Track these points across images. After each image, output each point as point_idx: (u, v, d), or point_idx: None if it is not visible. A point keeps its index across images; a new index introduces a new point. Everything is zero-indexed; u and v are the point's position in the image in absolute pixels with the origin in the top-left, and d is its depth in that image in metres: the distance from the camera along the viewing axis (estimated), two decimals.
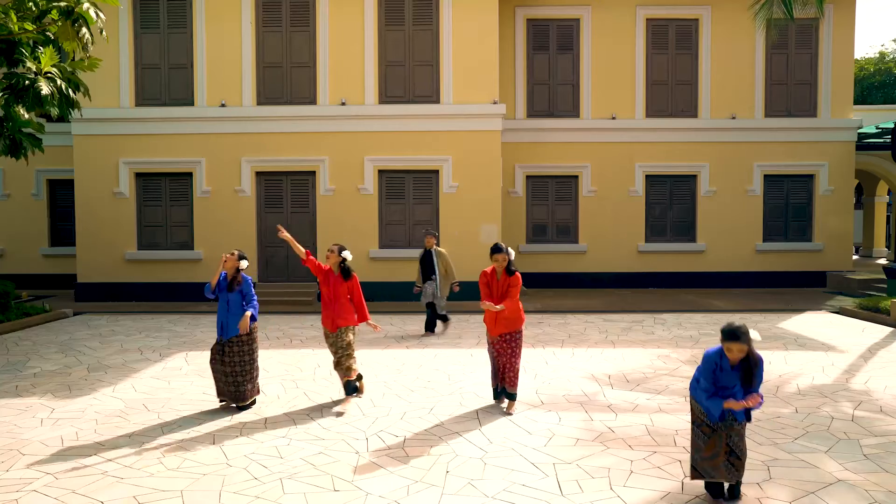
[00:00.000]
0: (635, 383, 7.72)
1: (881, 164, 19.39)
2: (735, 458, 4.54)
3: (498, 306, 6.36)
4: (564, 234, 16.92)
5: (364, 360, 9.06)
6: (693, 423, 4.69)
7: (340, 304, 6.93)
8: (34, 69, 9.77)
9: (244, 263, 6.90)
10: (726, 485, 4.66)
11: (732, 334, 4.32)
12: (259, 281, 14.80)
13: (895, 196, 22.67)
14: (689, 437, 4.76)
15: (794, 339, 10.34)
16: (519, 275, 6.61)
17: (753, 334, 4.34)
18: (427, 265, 10.80)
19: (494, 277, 6.58)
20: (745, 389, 4.42)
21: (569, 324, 11.62)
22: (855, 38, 18.60)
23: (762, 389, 4.83)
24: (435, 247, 10.82)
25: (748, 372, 4.40)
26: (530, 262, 16.51)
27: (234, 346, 6.77)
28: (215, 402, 7.04)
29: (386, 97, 14.74)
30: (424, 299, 10.90)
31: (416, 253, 14.51)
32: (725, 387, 4.47)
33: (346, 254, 6.93)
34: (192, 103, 14.74)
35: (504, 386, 6.71)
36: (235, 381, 6.76)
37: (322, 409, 6.80)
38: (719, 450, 4.52)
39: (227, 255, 6.86)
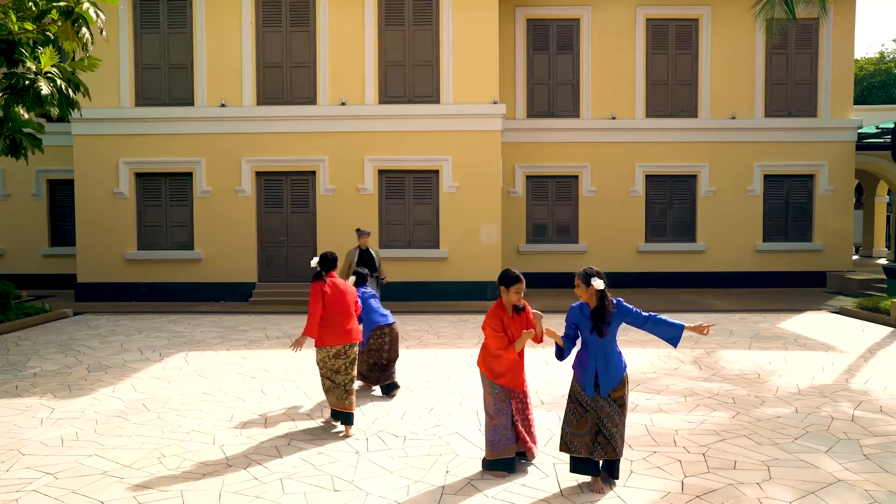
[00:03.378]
0: (635, 383, 7.72)
1: (881, 164, 19.40)
2: (602, 438, 4.77)
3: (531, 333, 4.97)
4: (564, 234, 16.92)
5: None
6: (569, 397, 4.96)
7: None
8: (34, 69, 9.76)
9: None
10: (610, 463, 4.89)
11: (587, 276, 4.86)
12: (259, 281, 14.80)
13: (895, 196, 22.67)
14: (626, 425, 4.91)
15: (794, 339, 10.34)
16: (493, 309, 5.17)
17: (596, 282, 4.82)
18: (368, 265, 10.72)
19: (507, 314, 5.11)
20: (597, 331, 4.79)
21: None
22: (855, 38, 18.59)
23: None
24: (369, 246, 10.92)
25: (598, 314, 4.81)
26: (530, 262, 16.50)
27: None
28: (215, 402, 7.05)
29: (386, 97, 14.74)
30: None
31: (417, 253, 14.62)
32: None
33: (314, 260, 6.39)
34: (192, 103, 14.73)
35: (528, 447, 5.27)
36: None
37: (322, 409, 6.80)
38: (589, 428, 4.79)
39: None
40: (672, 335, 4.86)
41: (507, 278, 5.05)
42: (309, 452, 5.58)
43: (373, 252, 10.95)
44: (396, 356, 7.41)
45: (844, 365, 8.65)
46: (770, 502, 4.59)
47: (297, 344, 6.04)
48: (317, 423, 6.38)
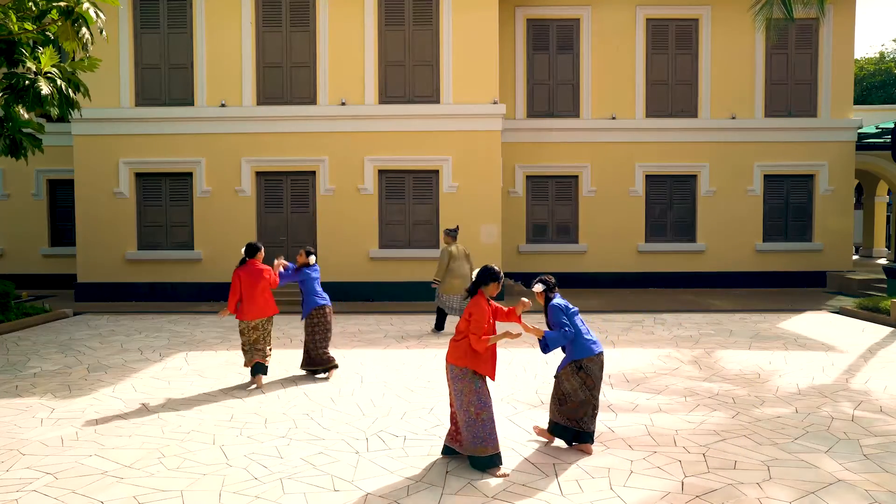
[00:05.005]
0: (635, 383, 7.72)
1: (881, 164, 19.40)
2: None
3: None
4: (564, 234, 16.92)
5: (364, 359, 9.08)
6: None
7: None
8: (34, 69, 9.76)
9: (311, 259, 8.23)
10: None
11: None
12: None
13: (895, 196, 22.67)
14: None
15: (794, 339, 10.34)
16: (477, 300, 5.29)
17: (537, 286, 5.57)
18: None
19: (488, 306, 5.38)
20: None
21: None
22: (855, 38, 18.58)
23: None
24: (450, 246, 10.97)
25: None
26: (530, 262, 16.50)
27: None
28: (215, 403, 7.05)
29: (386, 97, 14.74)
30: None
31: (417, 253, 14.65)
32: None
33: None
34: (192, 103, 14.73)
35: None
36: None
37: (322, 410, 6.80)
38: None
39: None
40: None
41: (493, 275, 5.30)
42: (309, 452, 5.58)
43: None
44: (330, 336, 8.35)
45: (844, 365, 8.65)
46: (770, 502, 4.59)
47: (222, 314, 7.88)
48: (316, 423, 6.38)
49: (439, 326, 11.11)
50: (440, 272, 10.84)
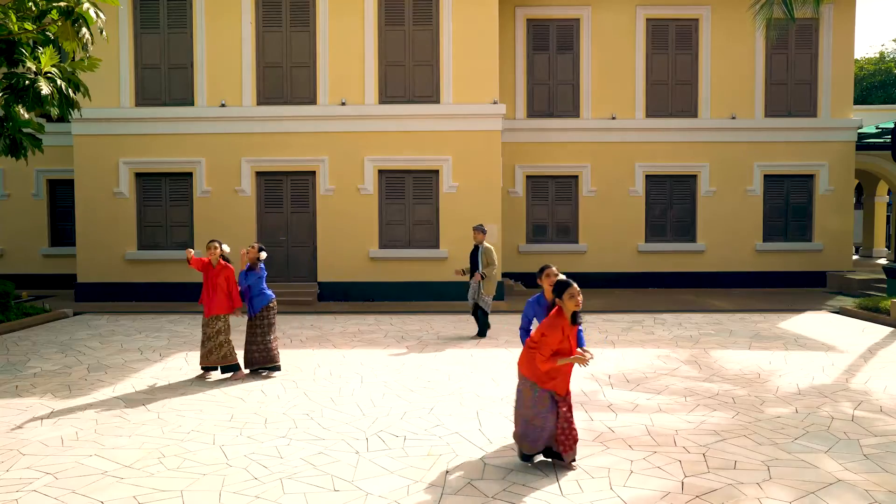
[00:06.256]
0: (635, 383, 7.72)
1: (881, 164, 19.41)
2: None
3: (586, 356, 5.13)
4: (564, 234, 16.92)
5: (364, 359, 9.07)
6: None
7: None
8: (34, 69, 9.76)
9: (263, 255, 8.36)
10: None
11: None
12: None
13: (895, 196, 22.68)
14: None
15: (794, 339, 10.34)
16: (557, 321, 5.06)
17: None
18: (473, 261, 10.82)
19: (567, 324, 5.04)
20: None
21: None
22: (855, 38, 18.58)
23: None
24: (483, 243, 10.76)
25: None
26: (530, 262, 16.48)
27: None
28: (215, 403, 7.05)
29: (386, 97, 14.73)
30: (469, 299, 10.85)
31: (417, 253, 14.64)
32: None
33: (225, 246, 8.22)
34: (192, 103, 14.73)
35: (562, 451, 5.21)
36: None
37: (322, 410, 6.80)
38: None
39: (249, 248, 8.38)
40: None
41: (559, 287, 5.06)
42: (309, 452, 5.58)
43: (479, 249, 10.76)
44: None
45: (844, 365, 8.65)
46: (770, 502, 4.59)
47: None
48: (316, 423, 6.38)
49: (483, 331, 10.68)
50: (496, 269, 10.67)
